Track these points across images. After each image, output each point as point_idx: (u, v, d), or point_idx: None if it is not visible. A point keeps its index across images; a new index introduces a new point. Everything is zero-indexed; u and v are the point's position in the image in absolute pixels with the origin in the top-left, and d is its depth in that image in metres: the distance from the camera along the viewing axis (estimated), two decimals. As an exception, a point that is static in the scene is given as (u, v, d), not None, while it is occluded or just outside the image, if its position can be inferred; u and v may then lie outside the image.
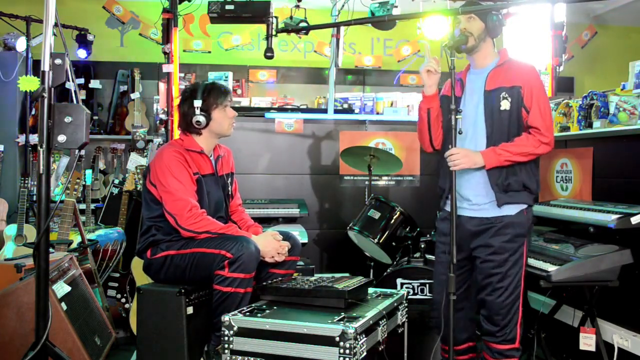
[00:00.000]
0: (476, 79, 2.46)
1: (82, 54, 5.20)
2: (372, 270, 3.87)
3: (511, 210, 2.37)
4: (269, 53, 3.22)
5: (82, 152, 4.59)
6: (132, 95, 5.27)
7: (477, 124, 2.41)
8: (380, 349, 2.27)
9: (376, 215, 3.63)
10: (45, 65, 2.04)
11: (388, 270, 3.47)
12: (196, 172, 2.68)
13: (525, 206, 2.40)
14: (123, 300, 3.83)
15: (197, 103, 2.68)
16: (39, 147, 2.06)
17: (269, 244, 2.62)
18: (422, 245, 3.43)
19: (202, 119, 2.68)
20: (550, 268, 2.53)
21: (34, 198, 4.22)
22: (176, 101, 3.75)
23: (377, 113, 5.22)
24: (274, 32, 3.18)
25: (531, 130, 2.35)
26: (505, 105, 2.34)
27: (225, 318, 2.15)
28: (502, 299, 2.35)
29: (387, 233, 3.57)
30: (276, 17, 3.24)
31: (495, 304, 2.36)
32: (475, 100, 2.42)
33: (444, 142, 2.53)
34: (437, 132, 2.51)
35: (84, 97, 5.31)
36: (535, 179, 2.41)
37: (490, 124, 2.37)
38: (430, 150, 2.56)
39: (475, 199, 2.42)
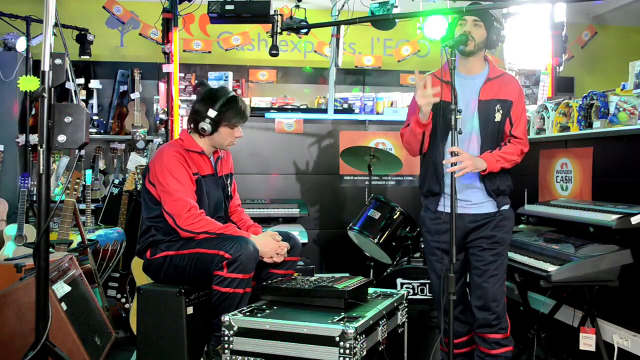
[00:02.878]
0: (466, 84, 2.51)
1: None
2: (372, 270, 3.87)
3: (505, 206, 2.56)
4: (274, 50, 3.22)
5: (82, 152, 4.60)
6: (132, 95, 5.26)
7: (472, 131, 2.50)
8: (380, 349, 2.27)
9: (376, 215, 3.63)
10: (45, 65, 2.05)
11: (388, 270, 3.47)
12: (196, 172, 2.68)
13: (510, 203, 2.61)
14: (123, 300, 3.83)
15: (212, 113, 2.65)
16: (39, 147, 2.06)
17: (268, 244, 2.61)
18: (422, 246, 3.43)
19: (208, 127, 2.66)
20: (550, 268, 2.53)
21: (34, 198, 4.22)
22: (176, 99, 3.77)
23: (377, 113, 5.22)
24: (278, 30, 3.17)
25: (513, 140, 2.52)
26: (498, 117, 2.50)
27: (225, 318, 2.15)
28: (497, 286, 2.47)
29: (387, 233, 3.57)
30: (281, 15, 3.23)
31: (490, 291, 2.46)
32: (471, 107, 2.49)
33: (430, 145, 2.58)
34: (427, 141, 2.59)
35: (84, 97, 5.31)
36: (511, 181, 2.61)
37: (484, 133, 2.50)
38: (418, 155, 2.67)
39: (474, 199, 2.53)
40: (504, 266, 2.52)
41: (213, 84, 4.30)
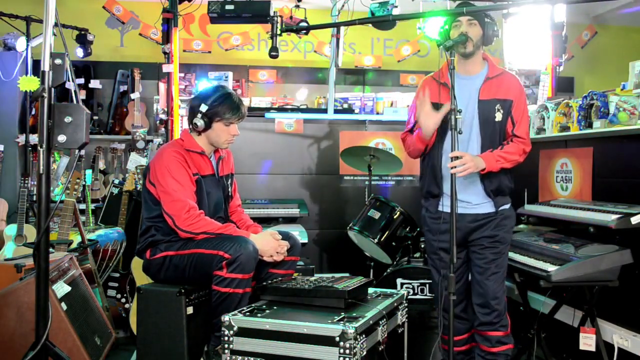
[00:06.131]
0: (466, 84, 2.51)
1: (79, 52, 5.18)
2: (372, 270, 3.87)
3: (505, 206, 2.58)
4: (273, 52, 3.21)
5: (82, 152, 4.60)
6: (132, 95, 5.26)
7: (472, 131, 2.51)
8: (380, 349, 2.27)
9: (376, 215, 3.63)
10: (45, 65, 2.04)
11: (388, 270, 3.47)
12: (196, 172, 2.68)
13: (510, 203, 2.63)
14: (123, 300, 3.83)
15: (203, 108, 2.66)
16: (39, 147, 2.06)
17: (268, 243, 2.61)
18: (422, 245, 3.43)
19: (200, 123, 2.67)
20: (550, 268, 2.53)
21: (34, 198, 4.22)
22: (176, 99, 3.77)
23: (377, 113, 5.22)
24: (278, 31, 3.17)
25: (515, 139, 2.53)
26: (498, 116, 2.51)
27: (225, 318, 2.15)
28: (497, 284, 2.51)
29: (387, 233, 3.57)
30: (280, 17, 3.23)
31: (491, 289, 2.50)
32: (470, 108, 2.50)
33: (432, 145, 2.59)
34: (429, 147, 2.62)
35: (84, 97, 5.31)
36: (513, 181, 2.62)
37: (484, 133, 2.51)
38: (419, 158, 2.69)
39: (474, 201, 2.55)
40: (504, 265, 2.55)
41: (213, 84, 4.29)
